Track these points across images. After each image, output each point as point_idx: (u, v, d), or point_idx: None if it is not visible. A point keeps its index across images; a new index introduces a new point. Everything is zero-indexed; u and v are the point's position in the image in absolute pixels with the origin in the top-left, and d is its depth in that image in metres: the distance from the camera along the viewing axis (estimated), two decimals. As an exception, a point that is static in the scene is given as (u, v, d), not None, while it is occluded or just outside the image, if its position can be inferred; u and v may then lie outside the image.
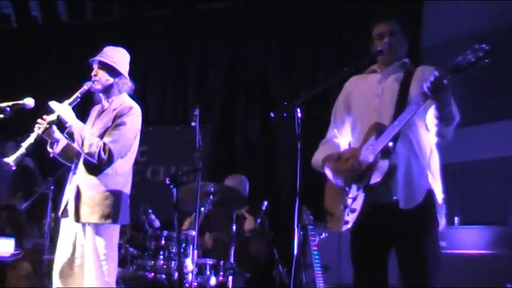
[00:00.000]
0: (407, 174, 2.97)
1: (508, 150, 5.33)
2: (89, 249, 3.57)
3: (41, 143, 3.68)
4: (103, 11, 7.90)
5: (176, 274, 4.44)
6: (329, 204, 3.20)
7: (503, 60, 4.63)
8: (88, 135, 3.61)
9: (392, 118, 2.99)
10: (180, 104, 7.40)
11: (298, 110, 3.05)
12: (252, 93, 7.01)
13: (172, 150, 7.12)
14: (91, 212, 3.58)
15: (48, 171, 5.45)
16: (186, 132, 6.56)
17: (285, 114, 3.04)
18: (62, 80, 7.33)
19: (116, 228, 3.68)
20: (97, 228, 3.58)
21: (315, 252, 4.70)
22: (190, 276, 4.34)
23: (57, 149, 3.75)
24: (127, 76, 3.85)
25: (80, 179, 3.66)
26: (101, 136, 3.65)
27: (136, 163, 3.86)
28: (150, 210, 5.20)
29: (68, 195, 3.69)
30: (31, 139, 3.56)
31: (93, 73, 3.78)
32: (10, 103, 3.53)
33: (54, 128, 3.67)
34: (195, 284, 4.40)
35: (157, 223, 5.20)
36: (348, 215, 3.00)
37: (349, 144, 3.30)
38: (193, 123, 4.46)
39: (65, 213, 3.69)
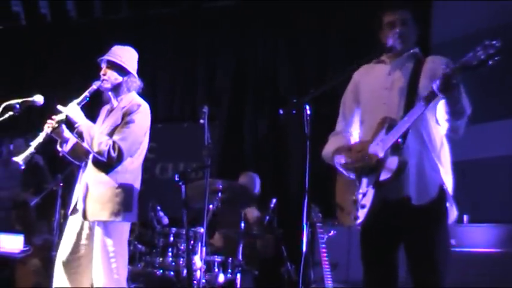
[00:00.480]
0: (419, 169, 2.93)
1: (519, 148, 5.30)
2: (98, 247, 3.56)
3: (50, 141, 3.69)
4: (111, 9, 7.92)
5: (185, 271, 4.45)
6: (339, 198, 3.16)
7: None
8: (97, 134, 3.61)
9: (402, 112, 2.95)
10: (189, 102, 7.41)
11: (307, 107, 3.04)
12: (260, 92, 7.01)
13: (181, 147, 7.14)
14: (101, 209, 3.58)
15: (58, 168, 5.47)
16: (194, 130, 6.57)
17: (294, 112, 3.03)
18: (70, 78, 7.36)
19: (125, 226, 3.68)
20: (107, 226, 3.57)
21: (324, 250, 4.69)
22: (198, 274, 4.35)
23: (67, 148, 3.76)
24: (135, 75, 3.85)
25: (89, 176, 3.66)
26: (110, 134, 3.65)
27: (145, 160, 3.86)
28: (158, 207, 5.21)
29: (78, 193, 3.70)
30: (40, 138, 3.57)
31: (101, 72, 3.78)
32: (20, 100, 3.54)
33: (63, 127, 3.67)
34: (204, 281, 4.41)
35: (165, 220, 5.22)
36: (358, 210, 2.97)
37: (359, 137, 3.25)
38: (201, 121, 4.46)
39: (74, 211, 3.69)
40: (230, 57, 7.29)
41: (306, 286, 4.83)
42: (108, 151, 3.55)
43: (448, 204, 2.98)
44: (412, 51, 3.17)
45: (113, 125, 3.71)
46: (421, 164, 2.95)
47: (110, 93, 3.83)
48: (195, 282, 4.33)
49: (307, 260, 4.73)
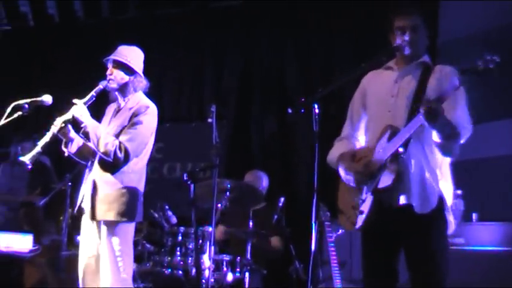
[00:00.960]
0: (421, 178, 2.95)
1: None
2: (104, 246, 3.59)
3: (57, 141, 3.70)
4: (119, 9, 7.93)
5: (193, 270, 4.46)
6: (341, 203, 3.20)
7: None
8: (103, 134, 3.62)
9: (405, 121, 2.96)
10: (196, 102, 7.41)
11: (316, 106, 3.04)
12: (267, 91, 7.00)
13: (189, 147, 7.13)
14: (107, 210, 3.60)
15: (66, 168, 5.48)
16: (202, 129, 6.58)
17: (302, 110, 3.03)
18: (78, 77, 7.36)
19: (131, 225, 3.70)
20: (113, 226, 3.59)
21: (332, 249, 4.69)
22: (207, 273, 4.35)
23: (72, 148, 3.77)
24: (142, 74, 3.86)
25: (95, 176, 3.68)
26: (117, 135, 3.67)
27: (153, 160, 3.88)
28: (167, 207, 5.21)
29: (84, 193, 3.72)
30: (46, 138, 3.58)
31: (108, 72, 3.79)
32: (28, 100, 3.55)
33: (70, 127, 3.68)
34: (212, 280, 4.41)
35: (174, 219, 5.23)
36: (356, 216, 3.02)
37: (365, 142, 3.27)
38: (209, 120, 4.47)
39: (80, 211, 3.71)
40: (237, 57, 7.28)
41: (315, 285, 4.83)
42: (115, 152, 3.56)
43: (447, 215, 2.99)
44: (421, 59, 3.15)
45: (120, 125, 3.72)
46: (421, 172, 2.96)
47: (116, 93, 3.85)
48: (203, 281, 4.34)
49: (316, 259, 4.73)
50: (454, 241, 4.49)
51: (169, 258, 4.72)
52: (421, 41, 3.14)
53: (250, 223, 4.92)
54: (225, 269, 4.71)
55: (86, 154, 3.81)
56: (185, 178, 3.86)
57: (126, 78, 3.80)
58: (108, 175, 3.64)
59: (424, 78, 3.07)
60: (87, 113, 3.66)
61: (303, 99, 3.06)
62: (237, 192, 4.83)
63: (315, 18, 6.85)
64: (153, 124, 3.79)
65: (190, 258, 4.64)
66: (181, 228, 4.79)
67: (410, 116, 2.96)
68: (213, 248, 4.29)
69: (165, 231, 4.91)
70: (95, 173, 3.68)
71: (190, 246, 4.71)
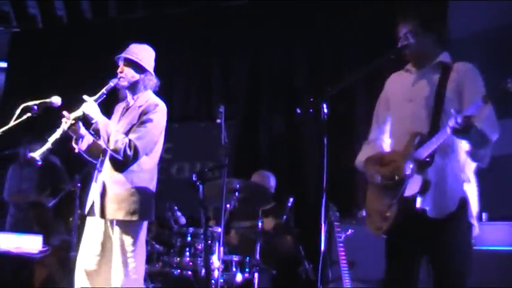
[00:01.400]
0: (440, 184, 2.95)
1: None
2: (116, 247, 3.58)
3: (67, 141, 3.70)
4: (126, 9, 7.95)
5: (203, 271, 4.46)
6: (368, 205, 3.22)
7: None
8: (114, 131, 3.61)
9: (427, 126, 2.98)
10: (204, 102, 7.41)
11: (325, 106, 3.03)
12: (275, 91, 6.99)
13: (197, 147, 7.14)
14: (117, 209, 3.59)
15: (75, 169, 5.49)
16: (210, 129, 6.58)
17: (311, 110, 3.03)
18: (86, 78, 7.39)
19: (143, 225, 3.68)
20: (124, 225, 3.58)
21: (342, 249, 4.68)
22: (216, 273, 4.35)
23: (83, 145, 3.76)
24: (152, 73, 3.86)
25: (105, 175, 3.67)
26: (127, 133, 3.66)
27: (162, 160, 3.87)
28: (175, 207, 5.22)
29: (94, 193, 3.71)
30: (57, 134, 3.56)
31: (119, 70, 3.79)
32: (37, 101, 3.55)
33: (80, 124, 3.68)
34: (221, 280, 4.41)
35: (183, 220, 5.23)
36: (382, 221, 3.05)
37: (390, 146, 3.28)
38: (218, 120, 4.46)
39: (91, 211, 3.70)
40: (246, 57, 7.28)
41: (324, 285, 4.82)
42: (124, 149, 3.56)
43: (469, 218, 2.99)
44: (437, 60, 3.12)
45: (129, 123, 3.72)
46: (443, 179, 2.96)
47: (126, 91, 3.84)
48: (213, 281, 4.34)
49: (325, 259, 4.72)
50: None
51: (178, 259, 4.71)
52: (422, 44, 3.11)
53: (259, 223, 4.92)
54: (234, 269, 4.71)
55: (96, 152, 3.80)
56: (194, 178, 3.86)
57: (137, 76, 3.80)
58: (117, 175, 3.64)
59: (442, 80, 3.04)
60: (98, 110, 3.65)
61: (311, 99, 3.05)
62: (246, 192, 4.83)
63: (324, 18, 6.84)
64: (162, 122, 3.78)
65: (199, 259, 4.64)
66: (190, 229, 4.79)
67: (432, 121, 2.98)
68: (222, 248, 4.28)
69: (174, 231, 4.91)
70: (105, 173, 3.68)
71: (200, 247, 4.71)
